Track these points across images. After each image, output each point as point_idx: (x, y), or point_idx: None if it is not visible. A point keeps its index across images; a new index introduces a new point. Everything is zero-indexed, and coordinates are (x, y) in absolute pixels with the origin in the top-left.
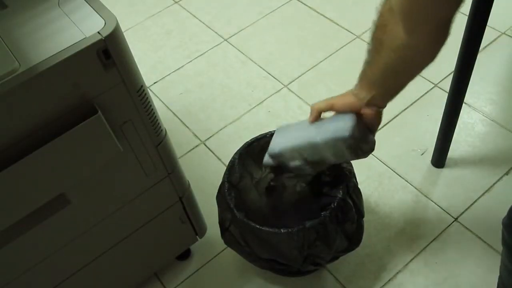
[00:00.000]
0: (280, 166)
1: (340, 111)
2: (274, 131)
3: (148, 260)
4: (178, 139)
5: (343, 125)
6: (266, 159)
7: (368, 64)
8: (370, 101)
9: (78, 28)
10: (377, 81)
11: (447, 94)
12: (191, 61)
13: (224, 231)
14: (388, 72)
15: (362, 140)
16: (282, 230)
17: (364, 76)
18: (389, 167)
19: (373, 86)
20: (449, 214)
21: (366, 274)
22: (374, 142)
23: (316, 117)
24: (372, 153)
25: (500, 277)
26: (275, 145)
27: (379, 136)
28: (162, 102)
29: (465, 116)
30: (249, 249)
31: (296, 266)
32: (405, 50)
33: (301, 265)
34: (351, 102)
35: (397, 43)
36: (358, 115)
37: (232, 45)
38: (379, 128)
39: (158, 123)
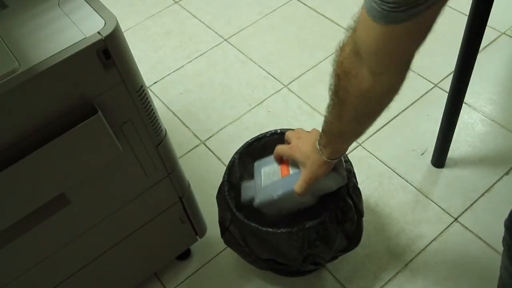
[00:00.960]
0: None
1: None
2: (275, 130)
3: (148, 260)
4: (178, 139)
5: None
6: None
7: (333, 119)
8: (329, 158)
9: (78, 28)
10: (343, 134)
11: (447, 94)
12: (191, 61)
13: (223, 231)
14: (357, 120)
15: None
16: (282, 230)
17: (328, 133)
18: (389, 167)
19: (337, 140)
20: (449, 214)
21: (366, 274)
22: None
23: (279, 159)
24: (372, 153)
25: (500, 278)
26: (256, 197)
27: (379, 136)
28: (162, 102)
29: (465, 116)
30: (248, 249)
31: (295, 266)
32: (374, 90)
33: (300, 265)
34: (311, 157)
35: (365, 86)
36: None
37: (232, 45)
38: (380, 127)
39: (158, 123)
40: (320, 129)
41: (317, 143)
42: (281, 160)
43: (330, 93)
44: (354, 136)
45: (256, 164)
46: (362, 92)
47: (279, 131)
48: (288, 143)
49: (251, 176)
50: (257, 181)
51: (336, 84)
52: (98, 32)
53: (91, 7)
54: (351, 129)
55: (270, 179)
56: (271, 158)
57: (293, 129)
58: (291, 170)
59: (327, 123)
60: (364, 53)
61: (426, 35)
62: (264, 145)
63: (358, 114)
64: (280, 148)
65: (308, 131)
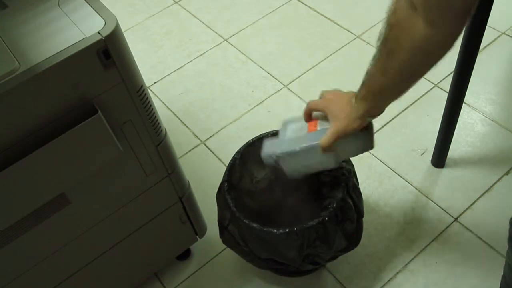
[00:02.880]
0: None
1: (331, 115)
2: (276, 130)
3: (148, 260)
4: (178, 139)
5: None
6: (265, 158)
7: (377, 71)
8: (365, 115)
9: (78, 28)
10: (384, 89)
11: (447, 94)
12: (191, 61)
13: (222, 230)
14: (402, 75)
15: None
16: (281, 230)
17: (368, 86)
18: (389, 167)
19: (377, 96)
20: (449, 214)
21: (366, 274)
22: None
23: (308, 116)
24: (372, 153)
25: (503, 277)
26: (270, 148)
27: (379, 136)
28: (162, 102)
29: (465, 116)
30: (247, 249)
31: (295, 265)
32: (427, 43)
33: (300, 264)
34: (346, 113)
35: (418, 37)
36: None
37: (232, 45)
38: (380, 127)
39: (158, 123)
40: None
41: (353, 99)
42: (310, 118)
43: (378, 43)
44: (394, 94)
45: (284, 121)
46: (414, 44)
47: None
48: (309, 112)
49: (251, 175)
50: (282, 135)
51: (386, 33)
52: (98, 32)
53: (91, 7)
54: (393, 85)
55: (295, 134)
56: (300, 116)
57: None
58: (319, 126)
59: (369, 75)
60: (419, 3)
61: None
62: None
63: (404, 69)
64: (312, 102)
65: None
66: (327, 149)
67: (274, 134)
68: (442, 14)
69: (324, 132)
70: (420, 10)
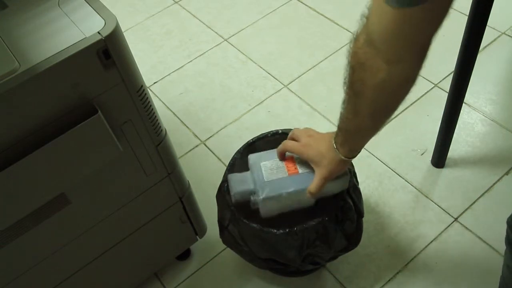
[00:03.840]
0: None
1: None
2: (276, 130)
3: (148, 260)
4: (178, 139)
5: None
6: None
7: (349, 114)
8: (348, 156)
9: (78, 28)
10: (360, 129)
11: (447, 94)
12: (191, 61)
13: (222, 230)
14: (374, 113)
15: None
16: (281, 230)
17: (345, 129)
18: (389, 167)
19: (355, 137)
20: (449, 214)
21: (366, 274)
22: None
23: (283, 156)
24: (372, 153)
25: (502, 278)
26: (259, 190)
27: (379, 136)
28: (162, 102)
29: (465, 116)
30: (247, 249)
31: (294, 265)
32: (391, 80)
33: (299, 264)
34: (327, 156)
35: (381, 76)
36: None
37: (232, 45)
38: None
39: (158, 123)
40: (325, 131)
41: (333, 142)
42: (283, 157)
43: (344, 87)
44: (372, 132)
45: (251, 157)
46: (378, 83)
47: (280, 131)
48: (295, 140)
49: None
50: (257, 175)
51: (351, 76)
52: (98, 32)
53: (91, 7)
54: (368, 124)
55: (274, 175)
56: (270, 153)
57: (298, 128)
58: (300, 169)
59: (343, 119)
60: (378, 42)
61: (443, 18)
62: (266, 145)
63: (375, 107)
64: (289, 145)
65: (318, 133)
66: (317, 194)
67: (274, 134)
68: (401, 53)
69: (308, 176)
70: (380, 50)
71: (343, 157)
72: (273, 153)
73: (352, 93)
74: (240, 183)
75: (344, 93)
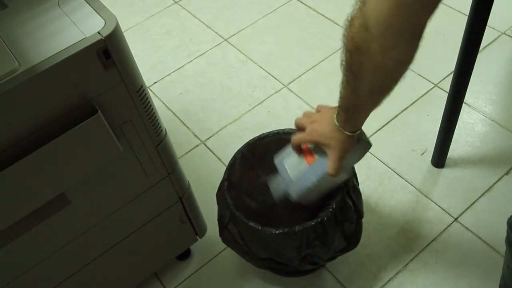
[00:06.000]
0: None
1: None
2: (277, 131)
3: (148, 260)
4: (178, 139)
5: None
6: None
7: (349, 94)
8: (353, 131)
9: (78, 28)
10: (361, 107)
11: (447, 94)
12: (191, 61)
13: (222, 229)
14: (373, 93)
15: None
16: (280, 230)
17: (345, 108)
18: (389, 167)
19: (356, 113)
20: (449, 214)
21: (366, 274)
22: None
23: (299, 149)
24: (372, 153)
25: (502, 278)
26: (291, 192)
27: (379, 136)
28: (162, 102)
29: (465, 116)
30: (247, 248)
31: (293, 265)
32: (387, 64)
33: (298, 264)
34: (334, 137)
35: (377, 60)
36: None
37: (232, 45)
38: (380, 127)
39: (158, 123)
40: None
41: (335, 121)
42: (300, 149)
43: (342, 69)
44: (372, 107)
45: (276, 160)
46: (375, 66)
47: (281, 131)
48: (302, 130)
49: (251, 174)
50: (285, 176)
51: (348, 60)
52: (98, 32)
53: (91, 7)
54: (369, 100)
55: (297, 170)
56: (289, 149)
57: (298, 117)
58: (316, 155)
59: (343, 98)
60: (374, 27)
61: (437, 3)
62: (266, 145)
63: (373, 87)
64: (297, 138)
65: (318, 112)
66: (337, 174)
67: (275, 134)
68: (396, 39)
69: (324, 160)
70: (375, 32)
71: (349, 134)
72: (290, 149)
73: (351, 75)
74: (276, 187)
75: (343, 74)
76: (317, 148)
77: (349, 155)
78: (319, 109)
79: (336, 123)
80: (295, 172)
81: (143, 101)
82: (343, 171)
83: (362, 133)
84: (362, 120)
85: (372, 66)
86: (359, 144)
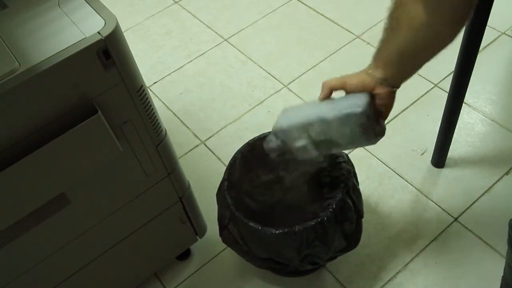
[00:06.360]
0: (282, 150)
1: (352, 91)
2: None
3: (148, 260)
4: (178, 139)
5: (356, 102)
6: (270, 138)
7: (384, 43)
8: (384, 81)
9: (78, 28)
10: (393, 60)
11: (447, 94)
12: (191, 61)
13: (222, 229)
14: (406, 52)
15: (374, 120)
16: (280, 230)
17: (379, 55)
18: (389, 167)
19: (389, 65)
20: (449, 214)
21: (366, 274)
22: (385, 127)
23: (327, 95)
24: (372, 153)
25: (503, 278)
26: (282, 121)
27: None
28: (162, 102)
29: (465, 116)
30: (247, 248)
31: (294, 265)
32: (425, 30)
33: (298, 264)
34: (365, 81)
35: (416, 22)
36: (372, 95)
37: (232, 45)
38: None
39: (158, 123)
40: None
41: (369, 70)
42: (329, 94)
43: (387, 16)
44: (412, 64)
45: (284, 110)
46: (413, 28)
47: None
48: (329, 91)
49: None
50: (304, 106)
51: (391, 11)
52: (98, 32)
53: (91, 7)
54: (404, 57)
55: (312, 105)
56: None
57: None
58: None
59: (380, 45)
60: None
61: None
62: None
63: (408, 46)
64: (328, 82)
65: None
66: (366, 109)
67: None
68: (441, 4)
69: (349, 99)
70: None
71: (368, 69)
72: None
73: (389, 26)
74: (287, 115)
75: (386, 21)
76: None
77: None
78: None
79: (370, 71)
80: (307, 105)
81: (143, 101)
82: (372, 131)
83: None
84: (395, 75)
85: (408, 26)
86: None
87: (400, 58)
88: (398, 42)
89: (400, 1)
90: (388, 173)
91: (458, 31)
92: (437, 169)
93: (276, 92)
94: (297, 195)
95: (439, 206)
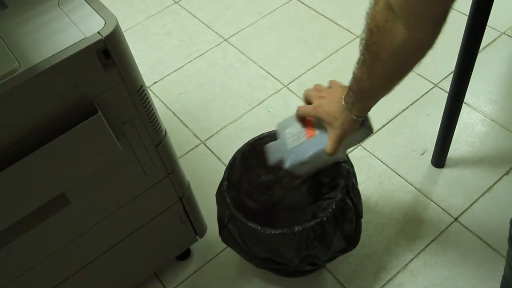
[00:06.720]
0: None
1: (323, 120)
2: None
3: (148, 260)
4: (178, 139)
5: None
6: (274, 161)
7: (363, 75)
8: (358, 115)
9: (78, 28)
10: (373, 90)
11: (447, 94)
12: (191, 61)
13: (222, 229)
14: (389, 76)
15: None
16: (279, 230)
17: (357, 90)
18: (389, 167)
19: (367, 97)
20: (449, 214)
21: (366, 274)
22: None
23: (302, 121)
24: (372, 153)
25: (504, 277)
26: (285, 160)
27: (379, 136)
28: (162, 102)
29: (465, 116)
30: (246, 248)
31: (293, 266)
32: (408, 46)
33: (298, 265)
34: (340, 120)
35: (398, 41)
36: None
37: (232, 45)
38: (380, 127)
39: (158, 123)
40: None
41: (343, 102)
42: (303, 121)
43: (360, 47)
44: (385, 92)
45: (278, 125)
46: (394, 47)
47: None
48: (309, 102)
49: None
50: (283, 143)
51: (368, 39)
52: (98, 32)
53: (91, 7)
54: (382, 84)
55: (296, 141)
56: (292, 118)
57: (308, 89)
58: (317, 131)
59: (356, 80)
60: (397, 9)
61: None
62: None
63: (389, 70)
64: (302, 110)
65: (329, 88)
66: (335, 153)
67: (275, 134)
68: (419, 20)
69: (324, 136)
70: (399, 15)
71: (354, 117)
72: (294, 118)
73: (368, 55)
74: (273, 152)
75: (360, 54)
76: (320, 124)
77: (349, 138)
78: (331, 85)
79: (344, 104)
80: (293, 141)
81: (143, 101)
82: (340, 152)
83: (366, 118)
84: (370, 105)
85: (391, 47)
86: (361, 128)
87: (385, 85)
88: (383, 68)
89: (377, 25)
90: (388, 173)
91: (437, 38)
92: (437, 169)
93: (276, 92)
94: (296, 195)
95: (439, 206)
